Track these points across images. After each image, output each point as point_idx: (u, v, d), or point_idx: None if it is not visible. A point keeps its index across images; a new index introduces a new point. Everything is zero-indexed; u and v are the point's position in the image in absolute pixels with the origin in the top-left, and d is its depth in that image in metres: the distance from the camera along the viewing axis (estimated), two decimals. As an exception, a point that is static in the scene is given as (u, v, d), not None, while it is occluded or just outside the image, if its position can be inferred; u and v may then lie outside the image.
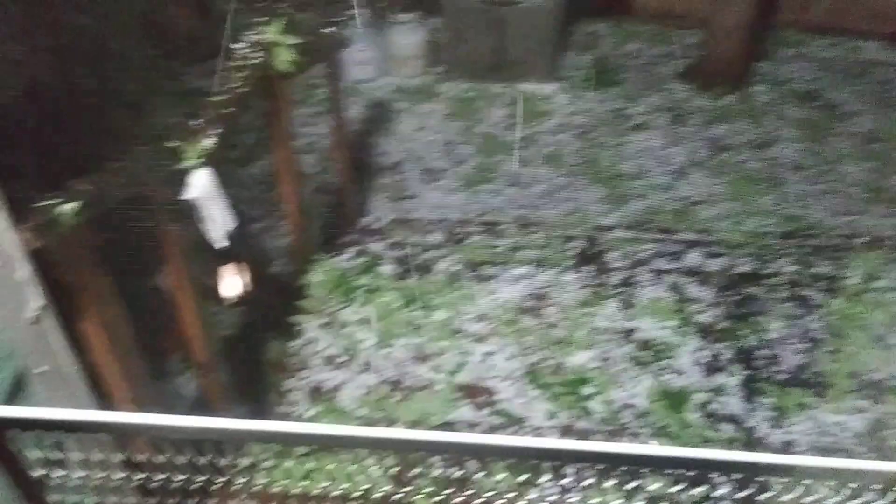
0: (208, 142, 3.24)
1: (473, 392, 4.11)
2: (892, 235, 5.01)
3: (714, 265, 4.84)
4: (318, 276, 4.63)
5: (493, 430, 3.97)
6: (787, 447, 3.74)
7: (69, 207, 2.36)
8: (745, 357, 4.17)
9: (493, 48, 6.77)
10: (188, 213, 3.19)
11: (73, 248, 2.39)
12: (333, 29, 6.52)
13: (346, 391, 4.09)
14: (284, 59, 3.76)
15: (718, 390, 4.01)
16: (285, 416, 3.98)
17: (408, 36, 6.93)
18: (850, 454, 3.69)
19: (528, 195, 5.67)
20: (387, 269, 4.80)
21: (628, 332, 4.34)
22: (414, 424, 3.96)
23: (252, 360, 4.13)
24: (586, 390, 4.04)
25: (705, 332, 4.33)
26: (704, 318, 4.41)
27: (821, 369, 4.05)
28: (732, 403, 3.94)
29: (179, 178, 3.08)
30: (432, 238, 5.17)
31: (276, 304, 4.43)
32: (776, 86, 6.77)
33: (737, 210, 5.43)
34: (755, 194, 5.59)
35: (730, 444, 3.75)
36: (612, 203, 5.54)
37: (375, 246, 5.06)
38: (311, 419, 3.98)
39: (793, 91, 6.69)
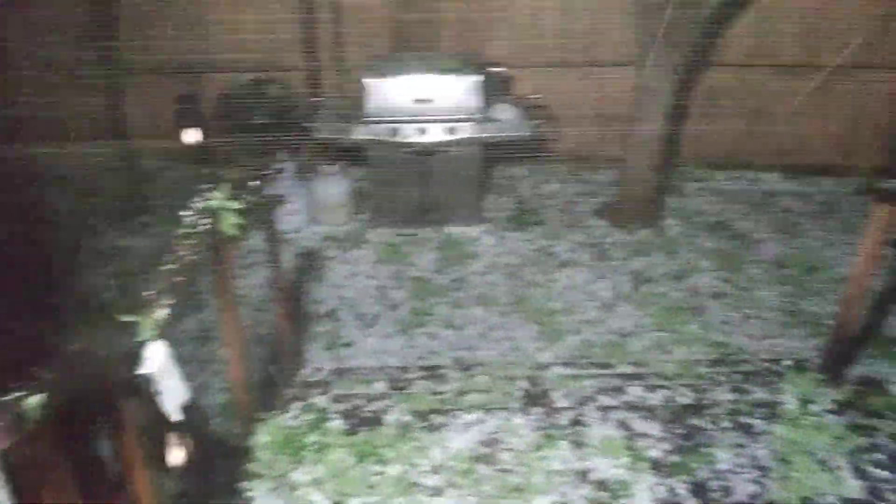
0: (162, 313, 3.19)
1: (435, 549, 4.00)
2: (813, 357, 5.26)
3: (655, 398, 4.95)
4: (263, 436, 4.49)
5: (455, 587, 3.86)
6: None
7: (34, 400, 2.27)
8: (700, 489, 4.22)
9: (418, 194, 6.98)
10: (143, 388, 3.09)
11: (36, 441, 2.29)
12: (260, 183, 6.62)
13: (302, 560, 3.91)
14: (231, 223, 3.79)
15: (678, 527, 4.03)
16: None
17: (334, 186, 7.09)
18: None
19: (464, 337, 5.73)
20: (335, 423, 4.71)
21: (583, 473, 4.34)
22: (374, 589, 3.81)
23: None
24: (549, 537, 3.99)
25: (658, 466, 4.38)
26: (655, 452, 4.47)
27: (773, 497, 4.13)
28: (694, 539, 3.96)
29: (135, 353, 3.01)
30: (376, 387, 5.12)
31: (222, 469, 4.25)
32: (687, 219, 7.18)
33: (665, 340, 5.63)
34: (680, 323, 5.81)
35: (697, 582, 3.75)
36: (547, 340, 5.65)
37: (319, 400, 4.97)
38: None
39: (703, 223, 7.11)
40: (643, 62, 6.50)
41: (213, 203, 3.75)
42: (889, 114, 8.04)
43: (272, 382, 5.04)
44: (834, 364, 4.99)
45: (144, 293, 3.21)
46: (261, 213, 4.65)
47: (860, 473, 4.26)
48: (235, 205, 3.83)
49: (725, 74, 7.93)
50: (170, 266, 3.35)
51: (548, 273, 6.48)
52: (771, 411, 4.72)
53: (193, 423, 3.56)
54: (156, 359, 3.10)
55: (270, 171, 6.86)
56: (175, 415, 3.27)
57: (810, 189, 8.03)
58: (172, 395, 3.23)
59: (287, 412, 4.81)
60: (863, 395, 4.82)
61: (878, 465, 4.32)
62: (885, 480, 4.22)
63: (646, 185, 6.98)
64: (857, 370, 5.18)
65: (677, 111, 6.90)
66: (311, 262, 6.64)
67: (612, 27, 7.74)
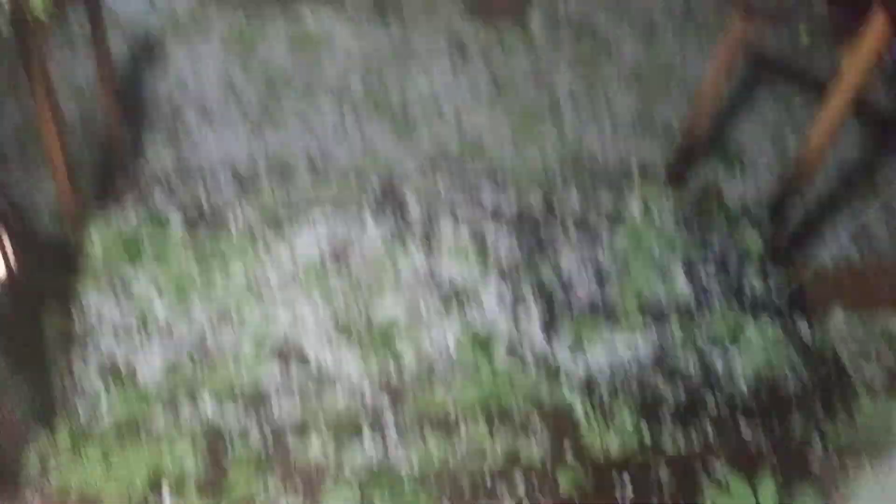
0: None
1: (282, 352, 3.98)
2: (659, 162, 5.40)
3: (507, 200, 4.96)
4: (97, 237, 4.22)
5: (304, 391, 3.87)
6: (589, 378, 4.01)
7: None
8: (544, 290, 4.36)
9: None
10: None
11: None
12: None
13: (143, 365, 3.81)
14: (39, 4, 3.28)
15: (522, 328, 4.17)
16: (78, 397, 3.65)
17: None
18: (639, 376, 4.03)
19: (316, 134, 5.48)
20: (175, 223, 4.46)
21: (434, 276, 4.38)
22: (222, 394, 3.78)
23: (30, 340, 3.72)
24: (397, 342, 4.04)
25: (505, 270, 4.46)
26: (504, 255, 4.54)
27: (610, 298, 4.34)
28: (536, 340, 4.13)
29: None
30: (221, 185, 4.86)
31: (51, 275, 3.99)
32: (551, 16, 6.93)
33: (520, 142, 5.60)
34: (535, 126, 5.77)
35: (536, 383, 3.94)
36: (401, 140, 5.50)
37: (159, 198, 4.68)
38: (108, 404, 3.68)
39: (566, 20, 6.87)
40: None
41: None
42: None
43: (105, 179, 4.68)
44: (677, 170, 5.15)
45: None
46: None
47: (691, 278, 4.51)
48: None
49: None
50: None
51: (406, 70, 6.20)
52: (615, 215, 4.85)
53: (12, 225, 3.28)
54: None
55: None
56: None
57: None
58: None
59: (124, 210, 4.50)
60: (702, 202, 5.02)
61: (707, 272, 4.58)
62: (712, 287, 4.49)
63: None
64: (699, 177, 5.38)
65: None
66: (148, 50, 6.04)
67: None
